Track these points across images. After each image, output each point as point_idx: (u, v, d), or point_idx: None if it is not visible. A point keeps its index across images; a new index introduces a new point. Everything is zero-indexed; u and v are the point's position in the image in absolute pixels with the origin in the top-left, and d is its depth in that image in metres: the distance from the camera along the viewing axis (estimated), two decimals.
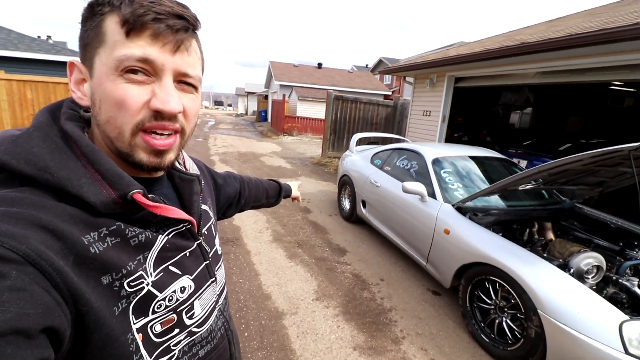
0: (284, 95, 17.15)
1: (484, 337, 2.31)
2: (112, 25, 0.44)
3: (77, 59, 0.49)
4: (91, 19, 0.46)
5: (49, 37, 21.75)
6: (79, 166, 0.45)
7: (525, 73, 5.17)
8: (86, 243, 0.43)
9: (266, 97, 28.56)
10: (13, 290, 0.34)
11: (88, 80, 0.48)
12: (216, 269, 0.67)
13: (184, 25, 0.48)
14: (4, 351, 0.32)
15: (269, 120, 22.63)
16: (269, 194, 1.18)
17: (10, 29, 11.10)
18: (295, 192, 1.33)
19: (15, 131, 0.47)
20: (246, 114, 39.91)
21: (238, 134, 16.45)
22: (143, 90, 0.46)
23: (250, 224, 4.36)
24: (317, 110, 18.25)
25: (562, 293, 1.88)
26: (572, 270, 2.14)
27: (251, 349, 2.20)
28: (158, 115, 0.47)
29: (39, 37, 14.72)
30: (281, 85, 21.48)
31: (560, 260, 2.25)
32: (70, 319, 0.40)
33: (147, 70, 0.46)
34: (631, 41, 3.34)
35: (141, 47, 0.44)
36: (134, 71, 0.45)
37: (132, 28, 0.44)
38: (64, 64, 10.44)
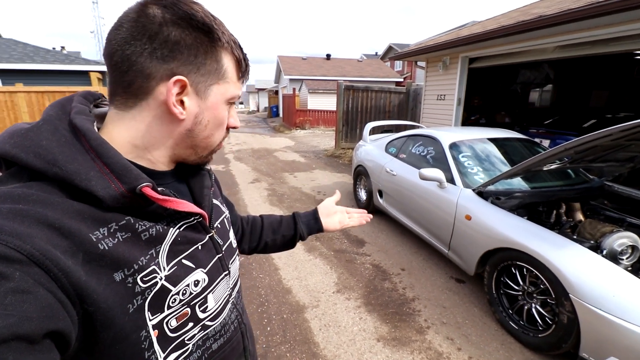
0: (294, 89, 17.09)
1: (513, 324, 2.23)
2: (229, 65, 0.54)
3: (176, 76, 0.49)
4: (211, 44, 0.50)
5: (62, 47, 22.38)
6: (88, 159, 0.44)
7: (544, 48, 4.93)
8: (94, 240, 0.42)
9: (276, 92, 28.55)
10: (17, 293, 0.34)
11: (193, 99, 0.51)
12: (230, 262, 0.66)
13: None
14: (5, 358, 0.31)
15: (281, 115, 22.65)
16: (280, 231, 0.91)
17: (25, 43, 11.47)
18: (333, 224, 0.95)
19: (25, 125, 0.46)
20: (258, 110, 40.08)
21: (251, 130, 16.54)
22: None
23: None
24: (328, 102, 18.12)
25: (595, 276, 1.78)
26: (604, 252, 2.03)
27: (274, 343, 2.20)
28: (228, 130, 0.61)
29: (53, 48, 15.17)
30: (291, 80, 21.40)
31: (592, 242, 2.14)
32: (77, 320, 0.39)
33: None
34: None
35: (240, 89, 0.58)
36: None
37: (242, 76, 0.58)
38: (79, 73, 10.73)
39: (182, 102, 0.50)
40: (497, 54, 5.63)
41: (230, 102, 0.57)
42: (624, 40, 4.03)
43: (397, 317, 2.46)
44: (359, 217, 1.00)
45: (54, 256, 0.37)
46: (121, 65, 0.46)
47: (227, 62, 0.53)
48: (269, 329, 2.34)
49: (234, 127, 0.61)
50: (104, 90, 9.68)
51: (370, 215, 1.03)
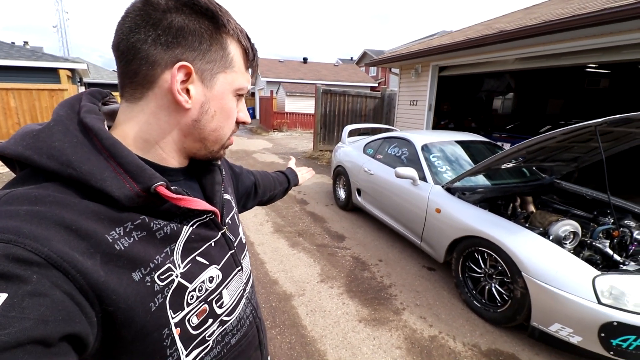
0: (271, 92, 17.18)
1: (476, 303, 2.54)
2: (236, 54, 0.53)
3: (180, 62, 0.48)
4: (216, 30, 0.50)
5: (25, 42, 21.15)
6: (101, 160, 0.44)
7: (505, 60, 5.41)
8: (110, 240, 0.42)
9: (253, 94, 28.43)
10: (34, 296, 0.34)
11: (199, 88, 0.50)
12: (242, 257, 0.68)
13: None
14: None
15: (258, 117, 22.60)
16: (280, 182, 1.17)
17: None
18: (301, 178, 1.31)
19: (36, 126, 0.46)
20: None
21: None
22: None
23: (250, 217, 4.52)
24: (305, 105, 18.33)
25: (542, 256, 2.11)
26: (551, 237, 2.37)
27: (265, 328, 2.37)
28: (238, 124, 0.60)
29: (13, 43, 14.29)
30: (268, 82, 21.46)
31: (541, 229, 2.49)
32: (96, 322, 0.40)
33: None
34: (600, 26, 3.59)
35: (249, 81, 0.58)
36: None
37: (251, 66, 0.58)
38: (46, 69, 10.28)
39: (187, 91, 0.49)
40: (464, 63, 6.09)
41: (239, 94, 0.56)
42: (573, 54, 4.54)
43: (376, 302, 2.70)
44: (307, 173, 1.34)
45: (72, 258, 0.37)
46: (127, 54, 0.46)
47: (234, 51, 0.53)
48: None
49: (244, 123, 0.59)
50: (73, 88, 9.26)
51: (313, 170, 1.38)
